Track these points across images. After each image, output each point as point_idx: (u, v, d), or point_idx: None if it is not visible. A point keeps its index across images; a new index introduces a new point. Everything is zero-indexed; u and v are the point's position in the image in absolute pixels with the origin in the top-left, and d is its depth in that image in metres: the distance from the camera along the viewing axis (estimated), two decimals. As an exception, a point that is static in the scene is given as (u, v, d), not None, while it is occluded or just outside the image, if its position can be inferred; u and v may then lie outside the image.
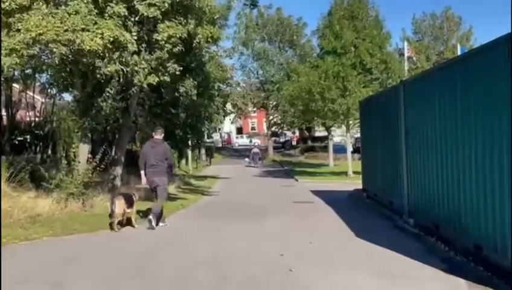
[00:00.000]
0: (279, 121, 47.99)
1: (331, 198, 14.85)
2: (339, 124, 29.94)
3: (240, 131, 75.73)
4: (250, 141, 58.50)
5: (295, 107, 30.04)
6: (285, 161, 40.81)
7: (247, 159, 39.13)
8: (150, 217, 9.81)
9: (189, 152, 30.88)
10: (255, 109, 51.21)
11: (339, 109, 24.73)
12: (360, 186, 15.43)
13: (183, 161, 31.58)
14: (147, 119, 17.94)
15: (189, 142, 23.77)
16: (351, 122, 26.62)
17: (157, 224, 9.86)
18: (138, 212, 10.72)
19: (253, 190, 19.99)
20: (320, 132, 48.02)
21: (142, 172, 10.19)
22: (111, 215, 9.46)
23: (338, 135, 42.57)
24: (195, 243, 8.61)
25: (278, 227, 10.27)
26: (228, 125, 62.51)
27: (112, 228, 9.37)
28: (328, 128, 34.88)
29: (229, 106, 29.46)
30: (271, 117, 48.35)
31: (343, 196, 15.86)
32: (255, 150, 39.20)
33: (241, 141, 67.83)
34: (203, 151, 40.34)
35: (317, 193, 16.75)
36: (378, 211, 12.00)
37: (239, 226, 10.23)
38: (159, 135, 10.35)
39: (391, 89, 13.41)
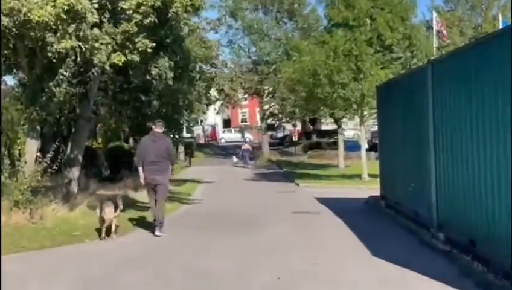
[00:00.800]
0: (276, 112, 47.93)
1: (341, 207, 14.90)
2: (351, 114, 29.98)
3: (227, 124, 75.77)
4: (242, 136, 58.18)
5: (296, 94, 30.05)
6: (284, 161, 40.88)
7: (234, 158, 39.23)
8: (157, 232, 10.88)
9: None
10: (246, 96, 50.99)
11: (351, 96, 24.73)
12: (377, 193, 15.50)
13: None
14: (111, 108, 17.90)
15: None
16: (366, 112, 26.66)
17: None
18: (131, 219, 12.42)
19: (244, 197, 20.02)
20: (327, 124, 48.08)
21: (141, 169, 11.06)
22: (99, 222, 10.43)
23: (350, 129, 42.71)
24: (168, 264, 8.63)
25: (274, 244, 10.30)
26: (213, 117, 62.51)
27: (100, 235, 10.44)
28: (337, 121, 34.94)
29: (213, 92, 29.37)
30: (266, 106, 48.31)
31: (356, 204, 15.93)
32: (245, 146, 39.37)
33: (228, 136, 67.48)
34: (181, 148, 40.28)
35: (323, 200, 16.80)
36: (400, 224, 12.06)
37: (226, 243, 10.25)
38: (159, 128, 11.19)
39: (416, 70, 13.46)
